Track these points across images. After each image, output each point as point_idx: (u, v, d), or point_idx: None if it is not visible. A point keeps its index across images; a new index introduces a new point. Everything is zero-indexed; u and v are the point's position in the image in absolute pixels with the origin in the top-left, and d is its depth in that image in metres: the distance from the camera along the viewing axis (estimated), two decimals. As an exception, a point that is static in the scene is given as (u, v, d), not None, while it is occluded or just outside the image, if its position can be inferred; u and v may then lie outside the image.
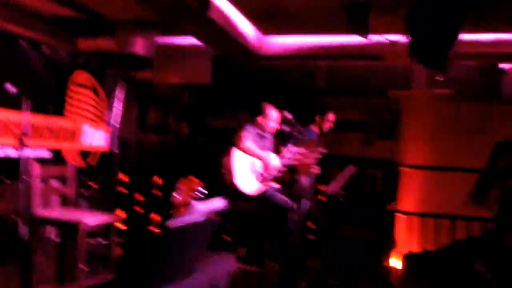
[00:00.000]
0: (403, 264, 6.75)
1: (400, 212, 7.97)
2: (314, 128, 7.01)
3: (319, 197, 7.55)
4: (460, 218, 7.45)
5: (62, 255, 5.40)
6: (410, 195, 8.00)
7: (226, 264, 3.64)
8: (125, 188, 7.55)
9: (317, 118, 7.08)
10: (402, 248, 7.58)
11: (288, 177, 5.09)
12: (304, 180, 5.91)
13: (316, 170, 6.16)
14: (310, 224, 7.99)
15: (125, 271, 2.48)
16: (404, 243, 7.75)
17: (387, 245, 7.85)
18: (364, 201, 9.19)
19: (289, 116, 6.06)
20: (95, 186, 7.22)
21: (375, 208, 8.60)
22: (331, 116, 7.11)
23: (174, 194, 3.62)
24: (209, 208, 3.32)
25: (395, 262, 7.25)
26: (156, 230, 6.50)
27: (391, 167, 8.56)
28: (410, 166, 8.02)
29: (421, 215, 7.59)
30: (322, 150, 5.19)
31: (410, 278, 6.38)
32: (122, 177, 7.52)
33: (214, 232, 3.29)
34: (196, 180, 3.68)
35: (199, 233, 2.99)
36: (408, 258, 6.71)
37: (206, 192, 3.67)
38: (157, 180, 7.89)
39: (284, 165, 4.88)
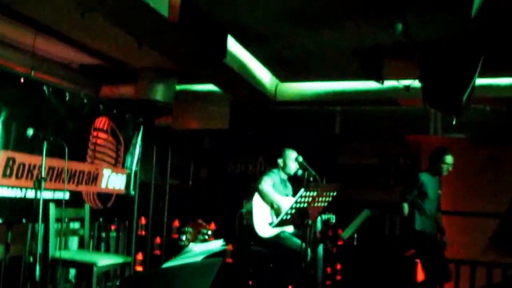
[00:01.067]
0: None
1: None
2: None
3: (339, 242, 7.57)
4: (481, 264, 7.34)
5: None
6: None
7: None
8: (145, 231, 7.64)
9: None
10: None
11: (301, 219, 5.11)
12: (318, 224, 5.97)
13: (329, 214, 6.22)
14: (328, 269, 7.98)
15: None
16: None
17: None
18: (384, 246, 9.09)
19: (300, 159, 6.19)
20: (114, 229, 7.34)
21: (394, 253, 8.51)
22: None
23: (181, 237, 3.66)
24: (206, 249, 3.32)
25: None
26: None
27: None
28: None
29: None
30: (334, 193, 5.21)
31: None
32: (142, 220, 7.62)
33: (223, 279, 3.31)
34: (204, 223, 3.73)
35: (197, 274, 2.99)
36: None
37: (215, 236, 3.71)
38: (177, 223, 7.98)
39: (295, 207, 4.91)
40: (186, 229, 3.70)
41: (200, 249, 3.26)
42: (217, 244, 3.42)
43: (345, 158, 9.52)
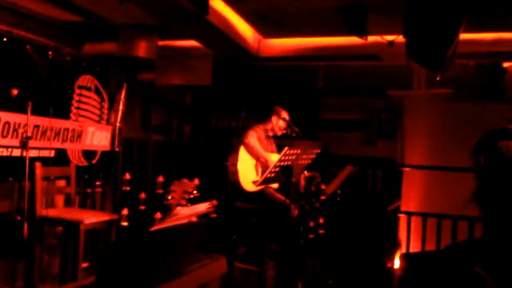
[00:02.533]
0: (401, 265, 6.79)
1: (401, 212, 7.98)
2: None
3: (321, 197, 7.66)
4: (462, 218, 7.45)
5: (65, 253, 5.54)
6: (412, 195, 8.00)
7: (218, 266, 3.66)
8: (129, 186, 7.67)
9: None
10: (404, 249, 7.60)
11: (285, 177, 5.15)
12: (301, 180, 6.04)
13: (308, 172, 6.25)
14: (311, 223, 8.10)
15: (110, 271, 2.55)
16: (406, 244, 7.78)
17: (391, 245, 7.86)
18: (366, 201, 9.21)
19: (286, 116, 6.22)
20: (99, 185, 7.37)
21: (376, 208, 8.62)
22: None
23: (167, 196, 3.68)
24: (192, 212, 3.35)
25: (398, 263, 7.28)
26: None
27: (393, 167, 8.58)
28: (411, 166, 8.04)
29: (423, 215, 7.57)
30: (317, 150, 5.25)
31: (408, 279, 6.43)
32: (127, 176, 7.65)
33: (211, 234, 3.35)
34: (190, 183, 3.75)
35: (185, 236, 3.03)
36: (406, 259, 6.73)
37: (200, 193, 3.74)
38: (161, 179, 8.00)
39: (280, 166, 4.95)
40: (172, 189, 3.70)
41: (187, 212, 3.29)
42: (203, 207, 3.45)
43: (327, 113, 9.59)
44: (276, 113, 6.19)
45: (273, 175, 5.02)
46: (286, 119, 6.14)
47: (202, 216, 3.59)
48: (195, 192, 3.77)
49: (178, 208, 3.24)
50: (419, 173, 7.95)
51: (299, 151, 4.99)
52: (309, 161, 5.30)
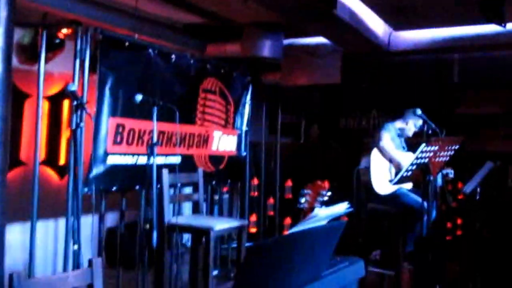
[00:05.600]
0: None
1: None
2: None
3: (459, 196, 7.18)
4: None
5: (194, 261, 5.46)
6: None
7: (356, 269, 3.42)
8: (257, 191, 7.53)
9: None
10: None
11: (421, 176, 4.81)
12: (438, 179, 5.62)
13: (448, 169, 5.91)
14: (448, 224, 7.62)
15: (246, 277, 2.35)
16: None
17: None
18: (507, 199, 8.58)
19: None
20: (226, 191, 7.26)
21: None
22: None
23: (300, 200, 3.46)
24: (331, 212, 3.14)
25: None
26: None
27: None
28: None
29: None
30: (456, 146, 4.84)
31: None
32: (254, 181, 7.51)
33: (344, 236, 3.15)
34: (323, 184, 3.49)
35: (322, 238, 2.81)
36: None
37: (332, 195, 3.47)
38: (289, 183, 7.81)
39: (416, 163, 4.60)
40: (305, 191, 3.47)
41: (326, 213, 3.13)
42: (342, 207, 3.22)
43: (465, 108, 8.98)
44: (414, 116, 5.81)
45: (409, 173, 4.67)
46: (423, 120, 5.77)
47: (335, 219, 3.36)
48: (329, 193, 3.54)
49: (317, 209, 3.10)
50: None
51: (436, 147, 4.63)
52: (448, 158, 4.90)
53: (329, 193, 3.52)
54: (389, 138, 5.91)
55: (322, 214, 3.08)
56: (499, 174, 7.61)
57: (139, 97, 4.70)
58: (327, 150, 8.74)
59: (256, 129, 7.54)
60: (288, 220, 7.52)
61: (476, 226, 6.83)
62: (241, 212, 7.41)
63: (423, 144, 4.55)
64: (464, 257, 6.64)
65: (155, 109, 4.68)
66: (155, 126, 4.64)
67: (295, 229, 3.00)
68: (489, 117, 9.37)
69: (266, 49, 6.74)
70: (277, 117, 8.00)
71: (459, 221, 7.84)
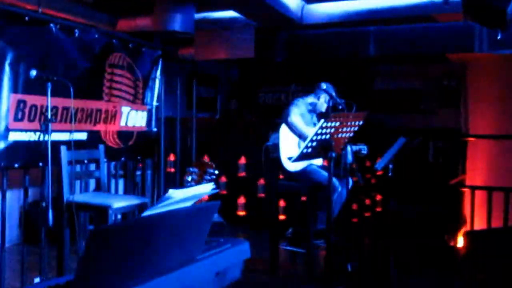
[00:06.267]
0: (464, 243, 6.29)
1: (465, 186, 7.44)
2: None
3: (378, 172, 7.22)
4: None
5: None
6: (477, 168, 7.45)
7: (240, 250, 3.31)
8: (174, 168, 7.43)
9: None
10: (469, 226, 7.11)
11: (324, 151, 4.76)
12: (348, 156, 5.61)
13: (361, 145, 5.88)
14: (367, 201, 7.69)
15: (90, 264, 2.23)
16: (470, 221, 7.23)
17: (455, 222, 7.40)
18: (427, 174, 8.72)
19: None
20: (139, 168, 7.12)
21: (439, 183, 8.12)
22: None
23: (187, 178, 3.35)
24: (190, 194, 3.00)
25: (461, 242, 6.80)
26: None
27: (457, 137, 8.01)
28: (477, 136, 7.47)
29: (488, 189, 6.98)
30: (359, 122, 4.80)
31: (472, 257, 5.92)
32: (171, 157, 7.41)
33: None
34: (210, 162, 3.41)
35: (191, 220, 2.67)
36: (470, 236, 6.24)
37: (217, 173, 3.39)
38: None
39: (316, 140, 4.54)
40: (192, 169, 3.37)
41: (182, 194, 2.93)
42: (207, 188, 3.11)
43: (382, 83, 9.05)
44: (325, 91, 5.75)
45: (309, 150, 4.61)
46: (328, 95, 5.71)
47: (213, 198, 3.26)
48: (216, 172, 3.45)
49: (171, 190, 2.87)
50: (485, 143, 7.43)
51: (337, 123, 4.57)
52: (352, 134, 4.85)
53: (216, 172, 3.45)
54: (298, 113, 5.83)
55: (179, 195, 2.91)
56: (419, 150, 7.72)
57: (33, 73, 4.57)
58: (244, 126, 8.68)
59: (171, 104, 7.42)
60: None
61: (389, 202, 6.93)
62: (157, 189, 7.29)
63: (322, 120, 4.49)
64: (378, 233, 6.68)
65: (49, 85, 4.55)
66: (49, 101, 4.50)
67: (151, 211, 2.89)
68: (409, 92, 9.47)
69: (177, 23, 6.59)
70: (192, 92, 7.89)
71: (378, 198, 7.91)
